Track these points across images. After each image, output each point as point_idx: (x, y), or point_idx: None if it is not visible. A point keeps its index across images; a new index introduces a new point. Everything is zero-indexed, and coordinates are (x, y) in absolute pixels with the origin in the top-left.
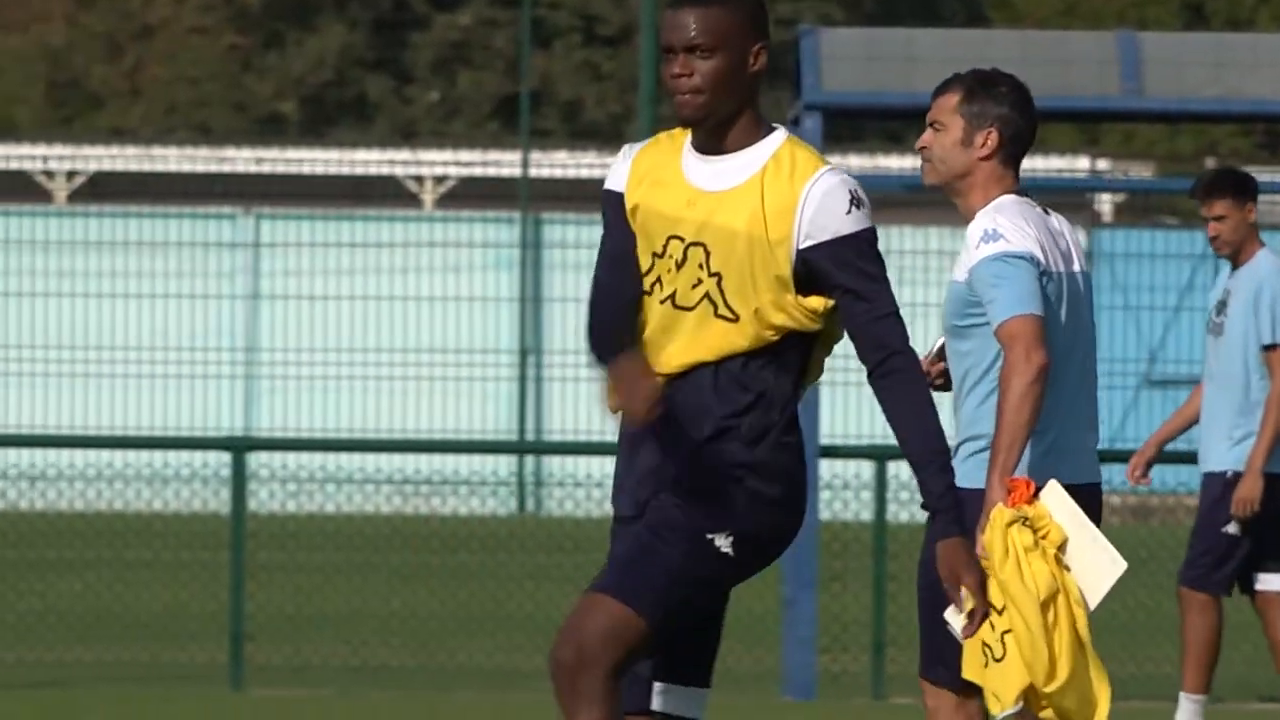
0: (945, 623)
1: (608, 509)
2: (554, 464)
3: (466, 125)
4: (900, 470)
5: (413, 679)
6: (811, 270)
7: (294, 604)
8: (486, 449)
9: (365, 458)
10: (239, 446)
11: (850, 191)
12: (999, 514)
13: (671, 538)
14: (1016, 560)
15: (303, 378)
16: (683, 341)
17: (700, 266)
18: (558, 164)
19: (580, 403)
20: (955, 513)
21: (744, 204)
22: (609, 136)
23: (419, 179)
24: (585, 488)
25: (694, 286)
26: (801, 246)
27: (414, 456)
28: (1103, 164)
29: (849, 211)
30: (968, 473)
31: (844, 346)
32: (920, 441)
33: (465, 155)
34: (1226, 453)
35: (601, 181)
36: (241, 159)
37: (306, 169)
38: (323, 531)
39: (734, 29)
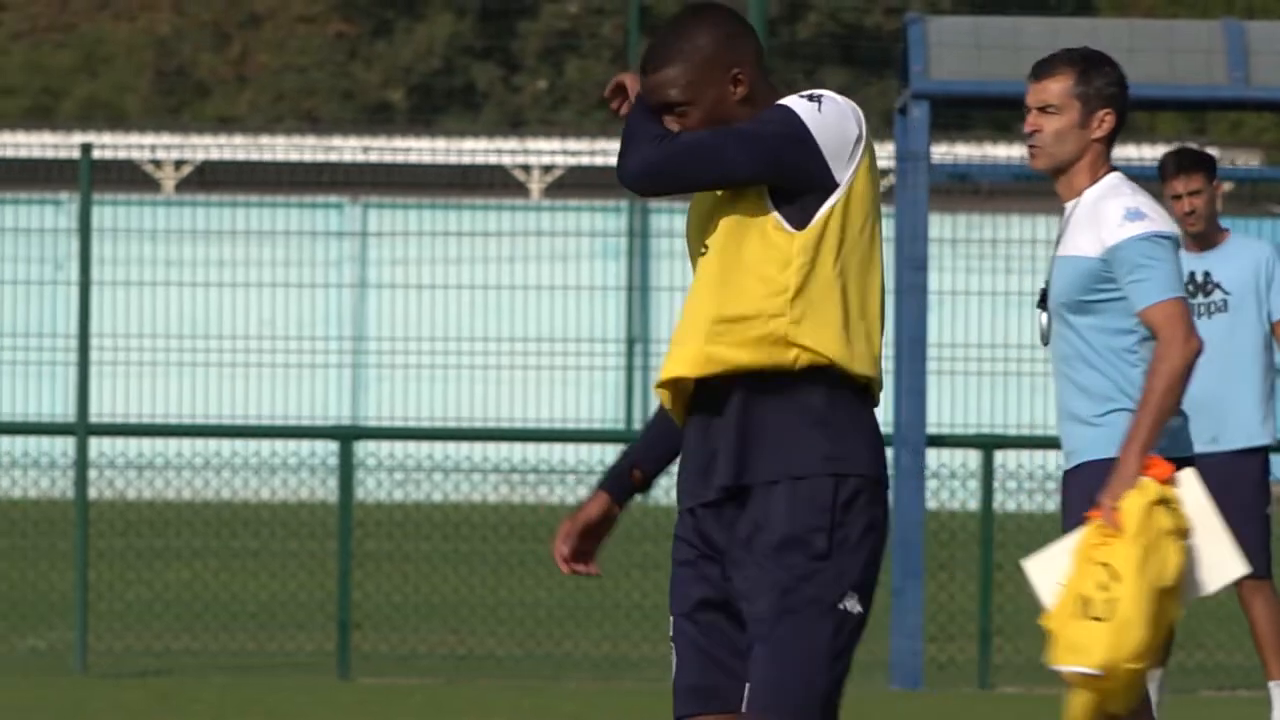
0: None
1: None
2: None
3: (574, 114)
4: (1007, 459)
5: (519, 668)
6: None
7: (400, 593)
8: (594, 438)
9: (472, 447)
10: (346, 436)
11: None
12: (1148, 487)
13: (810, 626)
14: (1154, 540)
15: (409, 367)
16: None
17: None
18: None
19: None
20: None
21: None
22: None
23: (526, 168)
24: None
25: None
26: None
27: (521, 446)
28: (1211, 152)
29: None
30: (1107, 441)
31: (954, 334)
32: None
33: (573, 144)
34: (1258, 428)
35: None
36: (348, 148)
37: (414, 158)
38: (429, 521)
39: (701, 78)
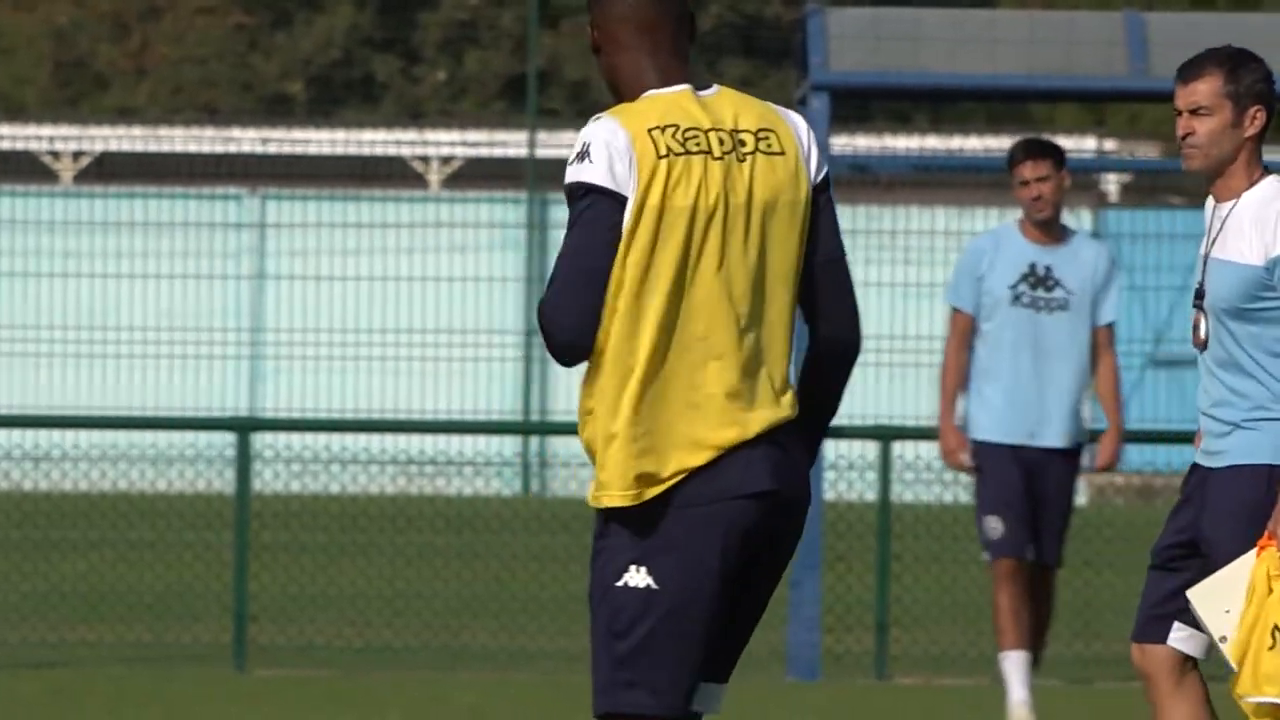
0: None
1: None
2: (559, 444)
3: (473, 105)
4: (905, 450)
5: (416, 659)
6: None
7: (297, 584)
8: (492, 429)
9: (370, 438)
10: (244, 427)
11: (582, 143)
12: None
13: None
14: None
15: (308, 358)
16: None
17: None
18: (564, 144)
19: None
20: None
21: None
22: None
23: (425, 159)
24: (590, 468)
25: None
26: None
27: (419, 437)
28: (1109, 144)
29: (570, 163)
30: (1258, 445)
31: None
32: None
33: (472, 135)
34: (1076, 429)
35: None
36: (248, 139)
37: (313, 149)
38: (327, 512)
39: (592, 21)
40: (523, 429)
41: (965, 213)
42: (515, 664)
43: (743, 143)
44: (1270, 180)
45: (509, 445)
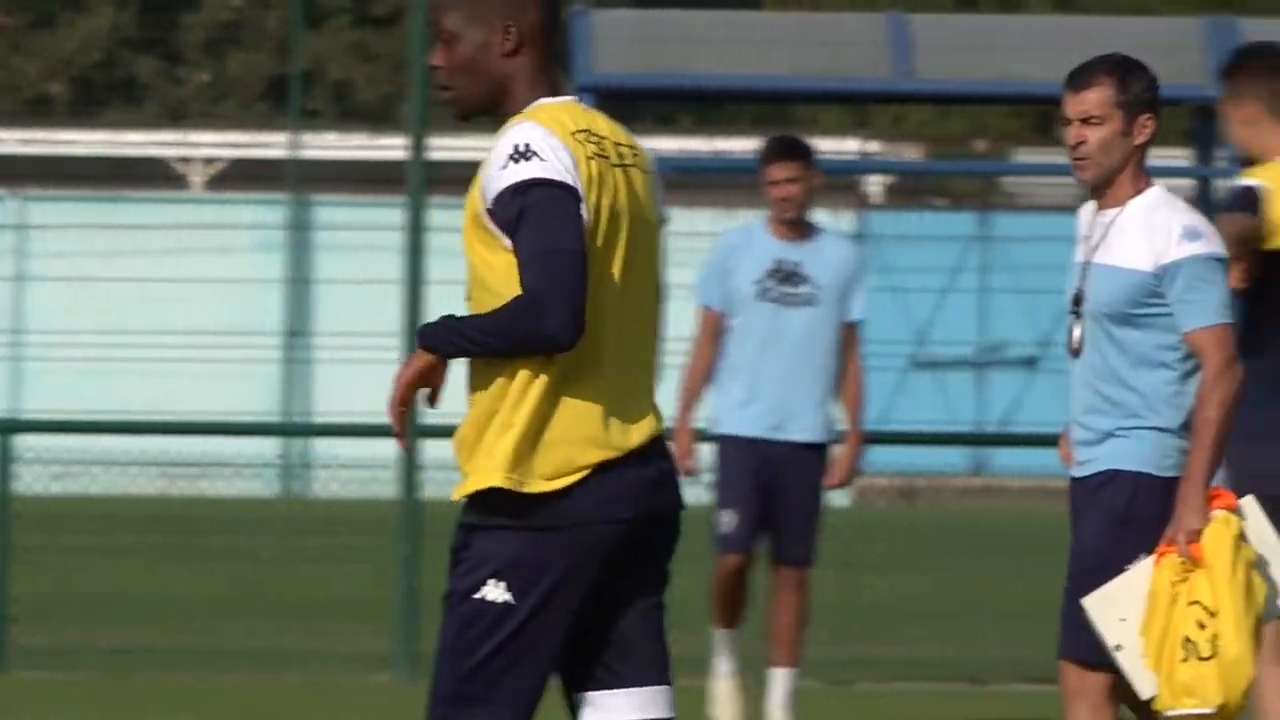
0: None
1: (373, 491)
2: (320, 446)
3: (236, 106)
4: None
5: (177, 660)
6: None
7: (59, 586)
8: (252, 431)
9: (132, 440)
10: (5, 429)
11: (515, 146)
12: (1231, 522)
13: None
14: (1246, 576)
15: (70, 360)
16: None
17: None
18: (327, 145)
19: (347, 385)
20: None
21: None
22: (379, 118)
23: (187, 161)
24: (350, 470)
25: None
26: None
27: (181, 439)
28: (873, 146)
29: (503, 167)
30: (1130, 454)
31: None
32: None
33: (235, 137)
34: (822, 424)
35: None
36: (9, 140)
37: (75, 150)
38: (88, 514)
39: (472, 12)
40: (283, 431)
41: (729, 215)
42: (276, 664)
43: (623, 155)
44: (1157, 188)
45: (269, 447)
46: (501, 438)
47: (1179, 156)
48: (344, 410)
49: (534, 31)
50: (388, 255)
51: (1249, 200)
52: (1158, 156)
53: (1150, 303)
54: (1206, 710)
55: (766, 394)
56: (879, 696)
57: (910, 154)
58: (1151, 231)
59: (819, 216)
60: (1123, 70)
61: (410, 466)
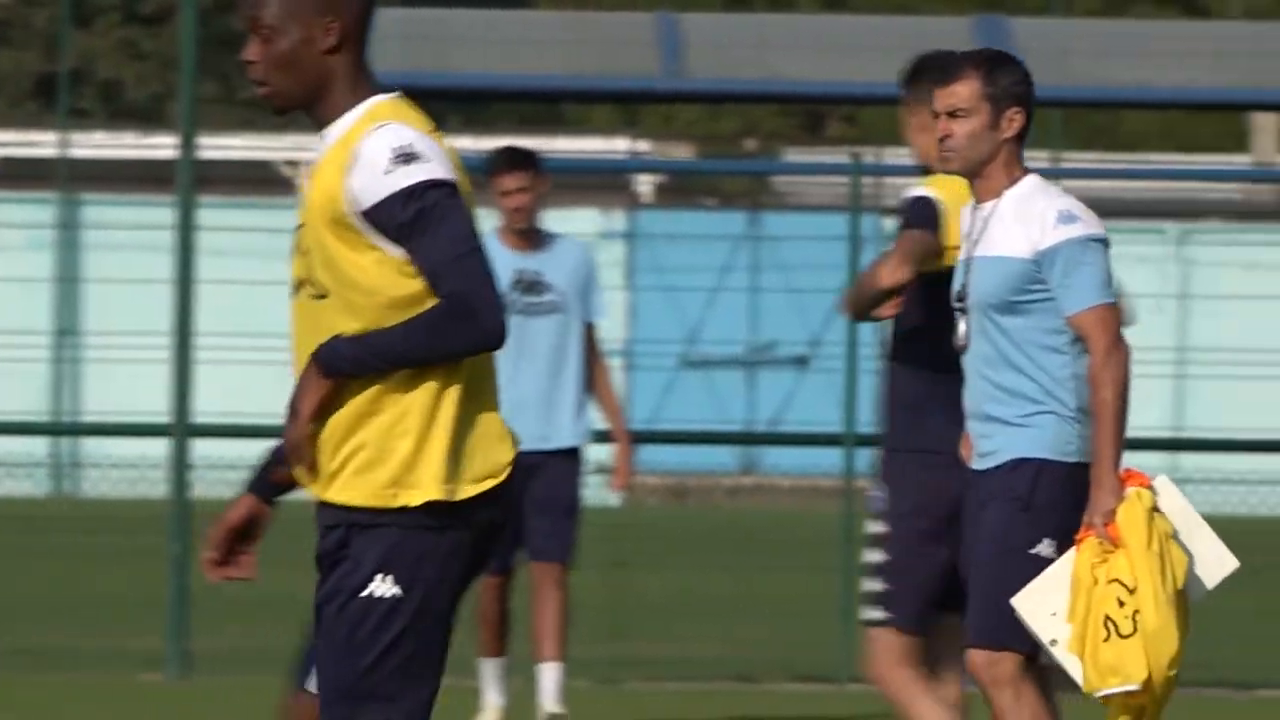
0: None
1: (141, 491)
2: (90, 445)
3: (4, 105)
4: None
5: None
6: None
7: None
8: (21, 430)
9: None
10: None
11: (396, 148)
12: (1144, 496)
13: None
14: (1162, 546)
15: None
16: (305, 334)
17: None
18: (97, 144)
19: (117, 384)
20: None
21: (320, 174)
22: (149, 116)
23: None
24: (121, 469)
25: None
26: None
27: None
28: (643, 145)
29: (388, 171)
30: (1031, 441)
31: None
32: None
33: (3, 135)
34: (579, 428)
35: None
36: None
37: None
38: None
39: (291, 7)
40: (53, 430)
41: (488, 214)
42: (47, 663)
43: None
44: (1031, 178)
45: (39, 446)
46: (424, 448)
47: None
48: (114, 409)
49: (354, 28)
50: (158, 254)
51: (929, 215)
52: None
53: (1033, 289)
54: (1132, 687)
55: (530, 406)
56: (650, 696)
57: (680, 153)
58: (1028, 219)
59: (590, 216)
60: (990, 64)
61: (180, 466)
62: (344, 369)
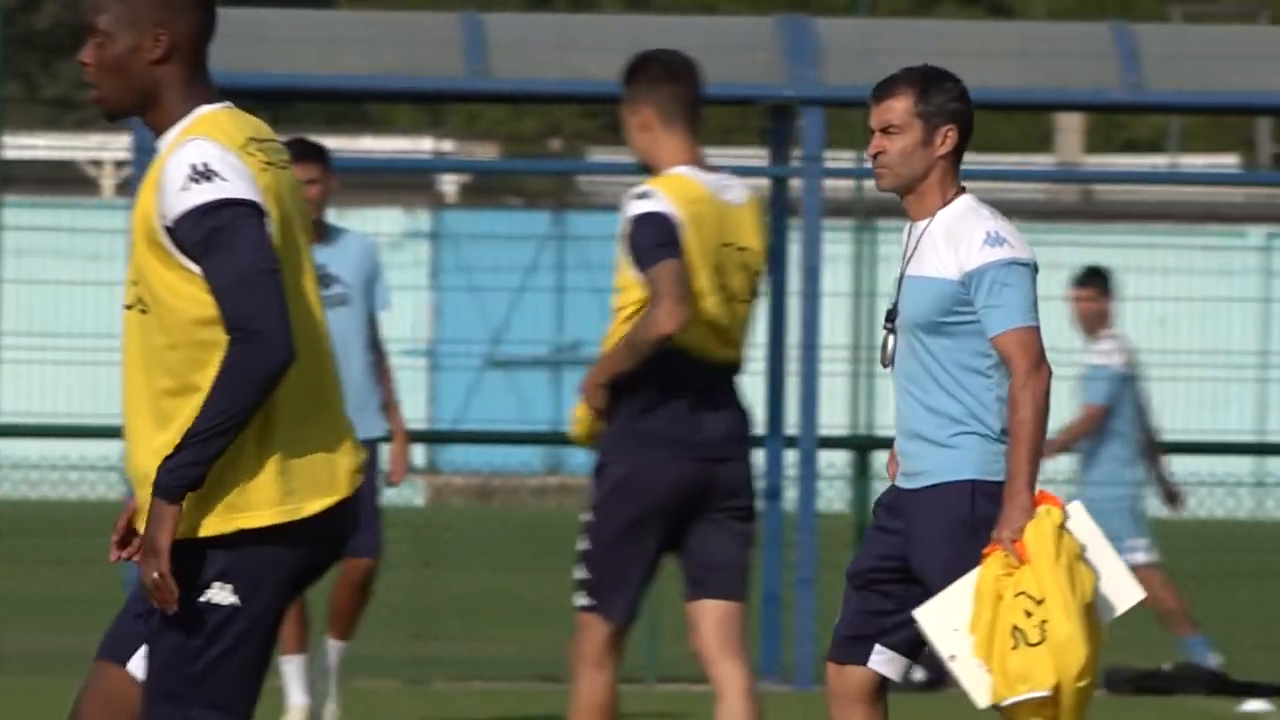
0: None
1: None
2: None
3: None
4: None
5: None
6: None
7: None
8: None
9: None
10: None
11: (193, 165)
12: (1053, 513)
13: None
14: (1069, 562)
15: None
16: (132, 348)
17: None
18: None
19: None
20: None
21: (142, 189)
22: None
23: None
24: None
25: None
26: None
27: None
28: (447, 145)
29: (182, 189)
30: (960, 462)
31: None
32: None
33: None
34: (376, 418)
35: None
36: None
37: None
38: None
39: (124, 15)
40: None
41: None
42: None
43: (283, 156)
44: (965, 198)
45: None
46: (259, 471)
47: (756, 156)
48: None
49: (186, 41)
50: None
51: (666, 236)
52: (734, 156)
53: (960, 311)
54: (1040, 694)
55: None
56: (456, 695)
57: (485, 153)
58: (956, 240)
59: (394, 216)
60: (925, 81)
61: None
62: (184, 483)
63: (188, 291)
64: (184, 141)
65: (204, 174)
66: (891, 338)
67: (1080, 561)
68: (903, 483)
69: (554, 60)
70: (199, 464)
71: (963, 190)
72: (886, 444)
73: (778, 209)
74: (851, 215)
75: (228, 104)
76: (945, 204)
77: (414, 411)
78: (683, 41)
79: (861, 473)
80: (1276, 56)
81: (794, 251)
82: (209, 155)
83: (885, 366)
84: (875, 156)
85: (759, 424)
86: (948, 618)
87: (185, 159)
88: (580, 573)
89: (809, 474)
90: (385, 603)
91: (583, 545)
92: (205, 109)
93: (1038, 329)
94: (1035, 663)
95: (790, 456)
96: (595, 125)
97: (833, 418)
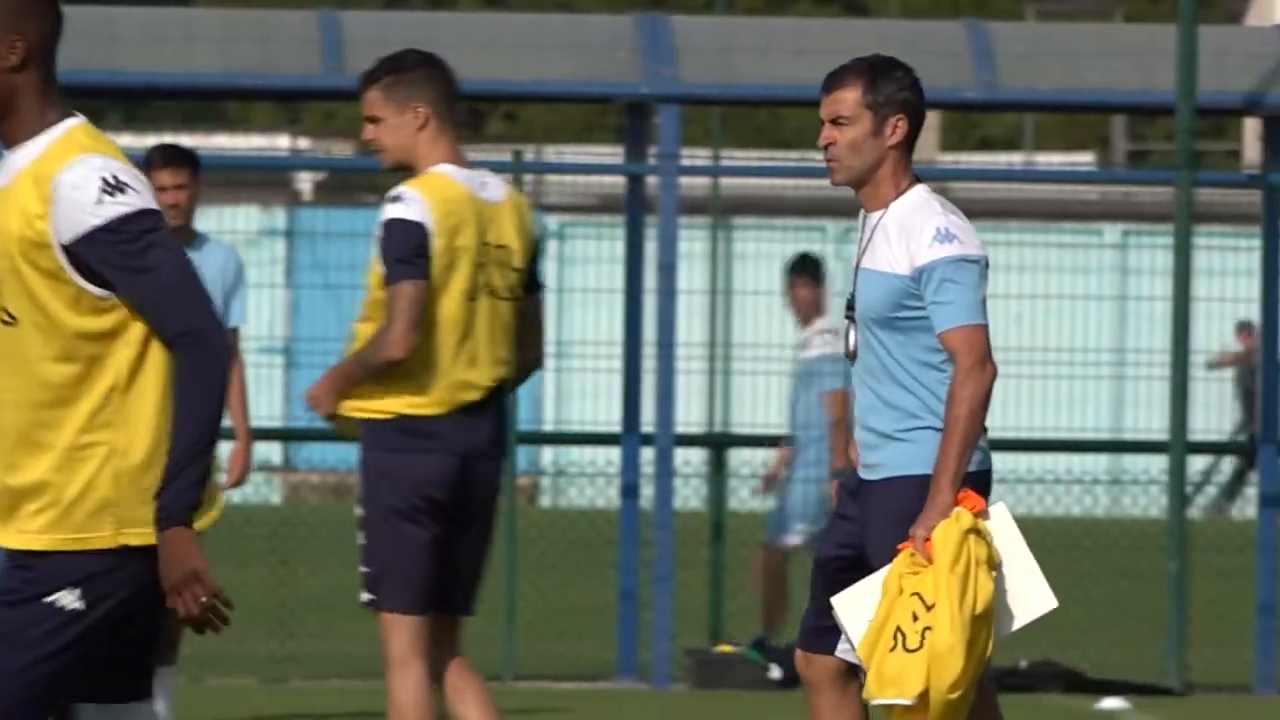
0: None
1: None
2: None
3: None
4: None
5: None
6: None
7: None
8: None
9: None
10: None
11: (102, 178)
12: (962, 517)
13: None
14: (967, 569)
15: None
16: (3, 361)
17: None
18: None
19: None
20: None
21: (14, 201)
22: None
23: None
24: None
25: None
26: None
27: None
28: (303, 142)
29: (100, 201)
30: (913, 456)
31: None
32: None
33: None
34: None
35: None
36: None
37: None
38: None
39: None
40: None
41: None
42: None
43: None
44: (918, 189)
45: None
46: (121, 489)
47: (612, 154)
48: None
49: (40, 46)
50: None
51: (414, 249)
52: (591, 154)
53: (911, 305)
54: (905, 701)
55: None
56: (314, 693)
57: (341, 150)
58: (908, 235)
59: (250, 213)
60: (874, 72)
61: None
62: (191, 505)
63: (78, 308)
64: (80, 156)
65: (116, 186)
66: (852, 329)
67: (983, 569)
68: (862, 473)
69: None
70: (197, 485)
71: (917, 180)
72: (743, 441)
73: (634, 206)
74: (707, 212)
75: (82, 118)
76: (899, 195)
77: (270, 409)
78: (538, 39)
79: (718, 470)
80: (1131, 55)
81: (650, 249)
82: (113, 167)
83: (849, 359)
84: (826, 148)
85: (616, 421)
86: (861, 608)
87: (94, 173)
88: (363, 568)
89: (665, 471)
90: (242, 600)
91: (360, 540)
92: (74, 123)
93: (985, 326)
94: (909, 669)
95: (646, 454)
96: None
97: (689, 415)
